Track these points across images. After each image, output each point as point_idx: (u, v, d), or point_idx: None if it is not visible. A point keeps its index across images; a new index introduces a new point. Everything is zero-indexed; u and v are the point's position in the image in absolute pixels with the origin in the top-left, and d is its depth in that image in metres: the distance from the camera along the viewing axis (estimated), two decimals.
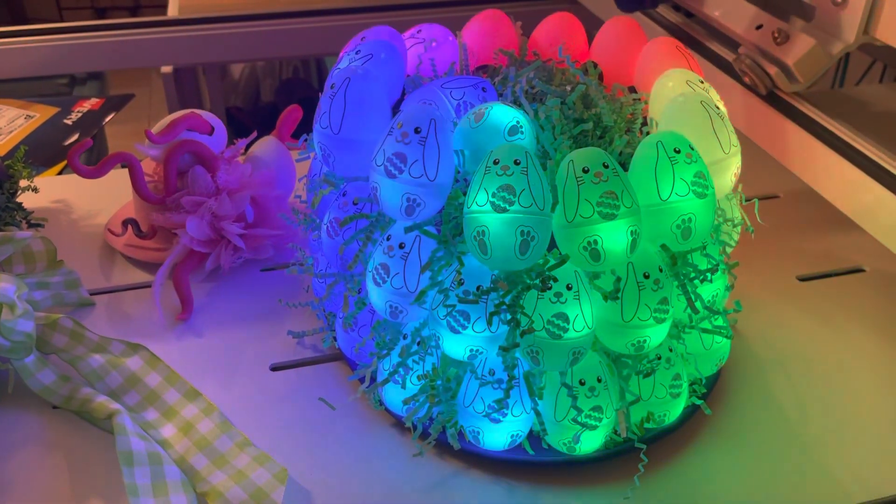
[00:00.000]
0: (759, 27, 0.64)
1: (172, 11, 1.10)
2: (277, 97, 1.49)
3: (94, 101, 0.90)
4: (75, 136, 0.83)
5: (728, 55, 0.68)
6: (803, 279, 0.58)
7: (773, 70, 0.61)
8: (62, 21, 2.13)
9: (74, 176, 0.72)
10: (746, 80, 0.63)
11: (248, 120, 1.50)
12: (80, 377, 0.47)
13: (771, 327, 0.53)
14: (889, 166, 0.53)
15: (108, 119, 0.87)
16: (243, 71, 1.53)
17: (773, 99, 0.63)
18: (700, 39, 0.73)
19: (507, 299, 0.38)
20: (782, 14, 0.63)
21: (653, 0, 0.72)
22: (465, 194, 0.38)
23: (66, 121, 0.85)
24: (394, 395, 0.44)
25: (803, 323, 0.54)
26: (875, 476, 0.43)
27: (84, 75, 1.02)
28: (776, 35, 0.61)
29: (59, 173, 0.76)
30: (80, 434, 0.44)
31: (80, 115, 0.87)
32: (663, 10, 0.79)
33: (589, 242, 0.37)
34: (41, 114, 0.86)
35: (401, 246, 0.40)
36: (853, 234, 0.61)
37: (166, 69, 1.07)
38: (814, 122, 0.59)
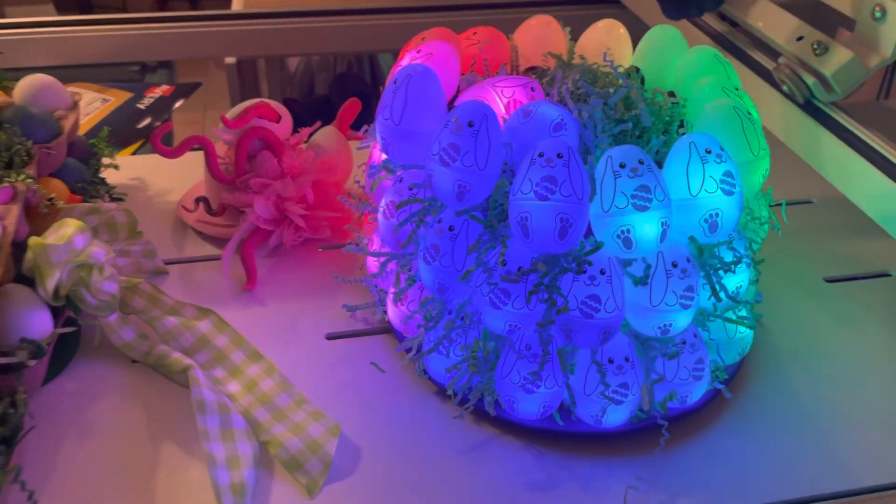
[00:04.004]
0: (799, 38, 0.66)
1: (237, 6, 1.16)
2: (331, 90, 1.55)
3: (164, 87, 0.96)
4: (147, 120, 0.89)
5: (769, 64, 0.71)
6: (830, 280, 0.61)
7: (811, 80, 0.63)
8: (125, 11, 2.23)
9: (150, 156, 0.78)
10: (785, 88, 0.66)
11: (303, 111, 1.56)
12: (157, 336, 0.52)
13: (795, 324, 0.56)
14: None
15: (177, 105, 0.93)
16: (299, 65, 1.59)
17: (810, 108, 0.65)
18: (742, 48, 0.75)
19: (546, 280, 0.42)
20: (823, 26, 0.66)
21: (698, 9, 0.75)
22: (510, 183, 0.42)
23: (138, 105, 0.91)
24: (437, 365, 0.48)
25: (827, 321, 0.57)
26: (882, 464, 0.46)
27: (155, 63, 1.08)
28: (815, 46, 0.63)
29: (134, 153, 0.82)
30: (156, 385, 0.50)
31: (151, 100, 0.93)
32: (708, 19, 0.81)
33: (623, 231, 0.41)
34: (116, 98, 0.93)
35: (450, 228, 0.45)
36: (882, 240, 0.63)
37: (230, 60, 1.13)
38: (848, 131, 0.61)
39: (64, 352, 0.51)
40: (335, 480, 0.44)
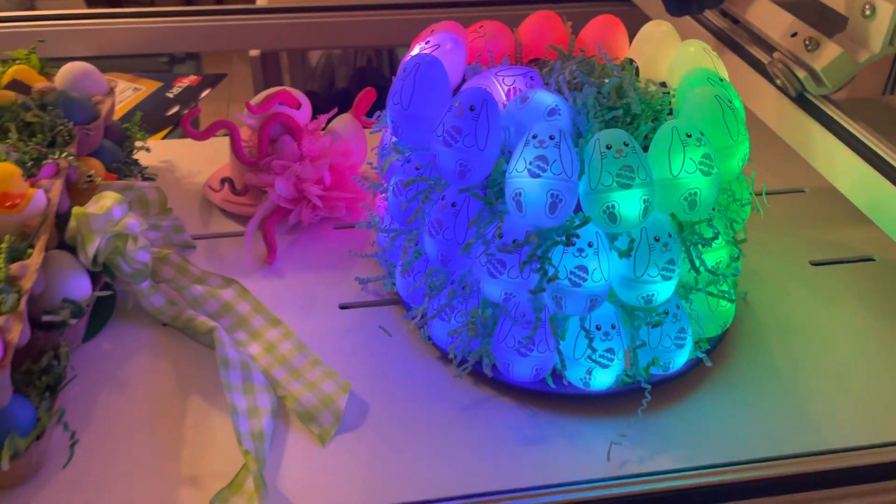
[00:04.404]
0: (793, 35, 0.70)
1: (262, 1, 1.20)
2: (351, 83, 1.59)
3: (192, 78, 1.01)
4: (176, 108, 0.94)
5: (765, 58, 0.74)
6: (816, 264, 0.64)
7: (802, 74, 0.67)
8: (153, 4, 2.31)
9: (178, 140, 0.83)
10: (778, 82, 0.69)
11: (323, 104, 1.61)
12: (185, 302, 0.57)
13: (779, 302, 0.60)
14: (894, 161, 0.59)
15: (203, 94, 0.98)
16: (320, 58, 1.63)
17: (802, 101, 0.68)
18: (742, 43, 0.78)
19: (538, 251, 0.46)
20: (817, 24, 0.69)
21: (699, 5, 0.78)
22: (507, 163, 0.46)
23: (167, 94, 0.96)
24: (440, 331, 0.52)
25: (810, 301, 0.60)
26: (851, 428, 0.49)
27: (182, 55, 1.13)
28: (807, 42, 0.67)
29: (163, 138, 0.87)
30: (183, 345, 0.54)
31: (179, 89, 0.98)
32: (710, 15, 0.85)
33: (608, 207, 0.45)
34: (146, 87, 0.98)
35: (453, 205, 0.49)
36: (868, 228, 0.66)
37: (254, 53, 1.18)
38: (836, 123, 0.65)
39: (101, 314, 0.55)
40: (345, 431, 0.48)
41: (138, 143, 0.70)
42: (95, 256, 0.51)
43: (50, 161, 0.55)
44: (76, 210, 0.51)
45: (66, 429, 0.45)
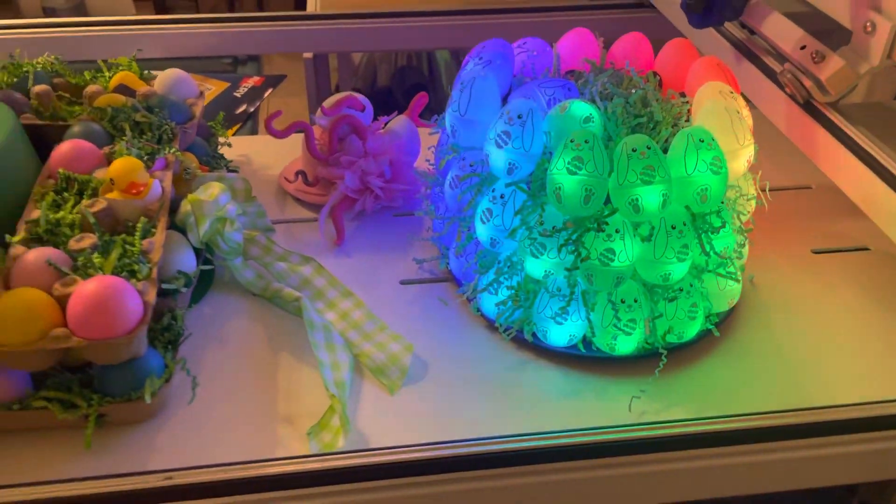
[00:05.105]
0: (803, 47, 0.78)
1: (311, 7, 1.31)
2: (392, 82, 1.69)
3: (256, 79, 1.11)
4: (243, 107, 1.04)
5: (777, 67, 0.82)
6: (817, 252, 0.73)
7: (808, 83, 0.75)
8: (197, 10, 2.44)
9: (251, 136, 0.93)
10: (788, 90, 0.78)
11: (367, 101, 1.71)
12: (271, 276, 0.67)
13: (782, 285, 0.69)
14: (890, 166, 0.67)
15: (266, 94, 1.09)
16: (363, 58, 1.73)
17: (808, 107, 0.77)
18: (757, 53, 0.87)
19: (573, 236, 0.55)
20: (824, 38, 0.77)
21: (719, 18, 0.87)
22: (549, 162, 0.56)
23: (235, 94, 1.07)
24: (488, 303, 0.62)
25: (809, 284, 0.69)
26: (838, 390, 0.58)
27: (245, 57, 1.24)
28: (814, 55, 0.75)
29: (233, 135, 0.97)
30: (272, 312, 0.65)
31: (245, 90, 1.08)
32: (730, 27, 0.93)
33: (632, 200, 0.54)
34: (216, 87, 1.09)
35: (501, 196, 0.58)
36: (864, 221, 0.75)
37: (307, 55, 1.28)
38: (838, 128, 0.73)
39: (202, 285, 0.66)
40: (409, 384, 0.58)
41: (221, 139, 0.81)
42: (202, 236, 0.62)
43: (161, 156, 0.65)
44: (191, 197, 0.61)
45: (189, 374, 0.55)
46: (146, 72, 0.79)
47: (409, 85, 1.66)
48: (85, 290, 0.50)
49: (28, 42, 1.06)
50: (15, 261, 0.53)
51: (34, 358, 0.49)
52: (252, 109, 1.04)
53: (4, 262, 0.54)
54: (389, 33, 1.25)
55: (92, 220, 0.56)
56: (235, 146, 0.85)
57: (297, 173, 0.78)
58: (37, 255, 0.52)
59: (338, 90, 1.56)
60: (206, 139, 0.78)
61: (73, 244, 0.55)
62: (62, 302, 0.51)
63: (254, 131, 1.05)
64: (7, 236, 0.56)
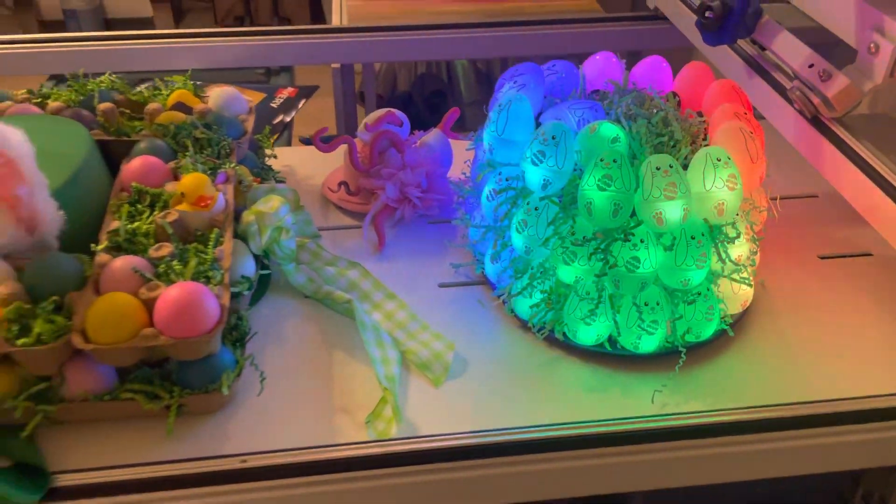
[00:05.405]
0: (811, 66, 0.84)
1: (335, 21, 1.37)
2: (412, 88, 1.75)
3: (290, 89, 1.17)
4: (280, 117, 1.10)
5: (787, 83, 0.88)
6: (823, 257, 0.79)
7: (816, 100, 0.81)
8: (215, 23, 2.51)
9: (289, 148, 0.99)
10: (796, 106, 0.83)
11: (386, 105, 1.77)
12: (321, 280, 0.73)
13: (791, 289, 0.74)
14: (890, 177, 0.73)
15: (301, 104, 1.15)
16: (383, 65, 1.79)
17: (816, 122, 0.82)
18: (768, 69, 0.92)
19: (602, 245, 0.61)
20: (830, 49, 0.83)
21: (731, 37, 0.92)
22: (580, 178, 0.62)
23: (271, 104, 1.13)
24: (522, 305, 0.68)
25: (816, 288, 0.75)
26: (842, 384, 0.64)
27: (277, 68, 1.30)
28: (821, 73, 0.81)
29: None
30: (324, 313, 0.71)
31: (280, 100, 1.14)
32: (742, 43, 0.98)
33: (657, 213, 0.60)
34: (252, 98, 1.14)
35: (536, 209, 0.64)
36: (866, 228, 0.80)
37: (335, 65, 1.34)
38: (843, 141, 0.78)
39: (260, 288, 0.72)
40: (451, 378, 0.64)
41: (268, 151, 0.87)
42: (263, 244, 0.68)
43: (222, 170, 0.71)
44: (255, 209, 0.67)
45: (257, 368, 0.62)
46: (199, 88, 0.85)
47: (429, 91, 1.72)
48: (170, 294, 0.56)
49: (74, 55, 1.13)
50: (102, 268, 0.59)
51: (126, 355, 0.56)
52: (288, 119, 1.10)
53: (92, 268, 0.60)
54: (412, 44, 1.30)
55: (170, 230, 0.62)
56: (278, 157, 0.91)
57: (339, 184, 0.84)
58: (123, 263, 0.59)
59: (361, 97, 1.62)
60: (255, 151, 0.84)
61: (153, 252, 0.61)
62: (148, 305, 0.57)
63: (289, 142, 1.11)
64: (92, 245, 0.62)
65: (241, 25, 3.11)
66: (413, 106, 1.71)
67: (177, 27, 3.19)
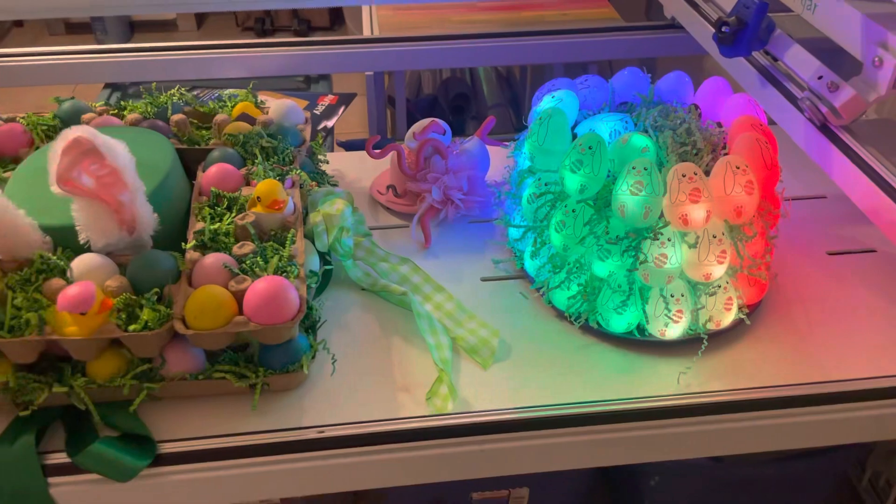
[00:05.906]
0: (820, 77, 0.91)
1: (366, 31, 1.45)
2: (438, 91, 1.83)
3: (331, 97, 1.25)
4: (323, 123, 1.18)
5: (798, 92, 0.95)
6: (831, 253, 0.86)
7: (824, 109, 0.88)
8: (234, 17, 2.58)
9: (338, 154, 1.07)
10: (807, 114, 0.91)
11: (413, 108, 1.85)
12: (376, 274, 0.81)
13: (802, 282, 0.82)
14: (892, 180, 0.80)
15: (341, 111, 1.23)
16: (408, 70, 1.87)
17: (824, 128, 0.89)
18: (780, 80, 1.00)
19: (633, 243, 0.69)
20: (838, 57, 0.90)
21: (747, 50, 1.00)
22: (613, 184, 0.69)
23: (314, 111, 1.21)
24: (560, 297, 0.76)
25: (825, 281, 0.82)
26: (849, 367, 0.72)
27: (317, 76, 1.38)
28: (830, 85, 0.88)
29: None
30: (380, 304, 0.79)
31: (322, 107, 1.22)
32: (757, 55, 1.06)
33: (682, 215, 0.67)
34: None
35: (573, 211, 0.72)
36: (870, 227, 0.87)
37: (369, 73, 1.42)
38: (849, 147, 0.86)
39: (323, 282, 0.80)
40: (497, 362, 0.72)
41: (320, 157, 0.95)
42: (329, 243, 0.76)
43: (289, 176, 0.80)
44: (324, 210, 0.75)
45: (329, 352, 0.70)
46: (260, 101, 0.93)
47: (454, 94, 1.80)
48: (259, 287, 0.64)
49: (129, 65, 1.21)
50: (194, 264, 0.67)
51: (220, 339, 0.64)
52: (330, 125, 1.18)
53: (184, 264, 0.68)
54: (441, 53, 1.37)
55: (252, 230, 0.70)
56: (330, 162, 0.99)
57: (388, 187, 0.92)
58: (213, 260, 0.67)
59: (390, 100, 1.70)
60: (310, 157, 0.92)
61: (237, 250, 0.69)
62: (237, 296, 0.65)
63: (331, 147, 1.19)
64: (183, 244, 0.70)
65: (262, 26, 3.20)
66: (438, 108, 1.78)
67: (199, 28, 3.28)
